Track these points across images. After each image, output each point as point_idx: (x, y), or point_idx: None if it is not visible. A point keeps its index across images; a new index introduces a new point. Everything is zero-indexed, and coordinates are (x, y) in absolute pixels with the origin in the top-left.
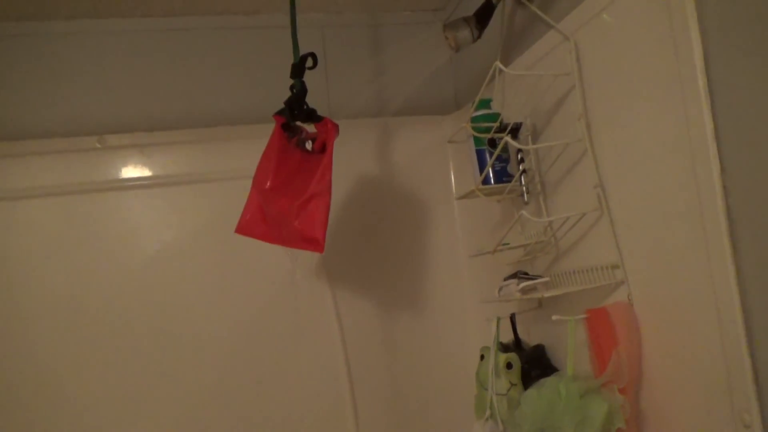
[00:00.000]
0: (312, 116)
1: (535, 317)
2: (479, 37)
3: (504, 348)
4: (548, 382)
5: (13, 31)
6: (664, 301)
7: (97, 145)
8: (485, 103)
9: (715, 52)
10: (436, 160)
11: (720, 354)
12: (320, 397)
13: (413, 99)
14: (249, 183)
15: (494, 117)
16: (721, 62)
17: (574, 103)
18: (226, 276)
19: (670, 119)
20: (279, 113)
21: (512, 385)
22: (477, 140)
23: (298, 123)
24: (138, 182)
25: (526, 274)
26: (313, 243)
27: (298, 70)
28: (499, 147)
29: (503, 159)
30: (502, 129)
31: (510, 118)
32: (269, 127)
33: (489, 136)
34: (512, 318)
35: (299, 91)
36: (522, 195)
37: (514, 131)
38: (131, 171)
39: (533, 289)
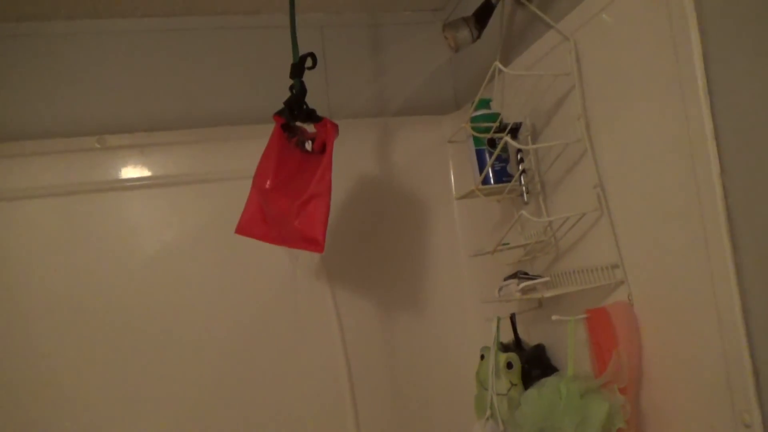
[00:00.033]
0: (312, 116)
1: (535, 317)
2: (479, 37)
3: (504, 348)
4: (549, 382)
5: (13, 31)
6: (664, 301)
7: (97, 145)
8: (485, 103)
9: (714, 52)
10: (436, 160)
11: (720, 354)
12: (320, 397)
13: (413, 99)
14: (249, 183)
15: (494, 117)
16: (721, 62)
17: (573, 103)
18: (226, 276)
19: (670, 119)
20: (279, 113)
21: (512, 385)
22: (477, 140)
23: (298, 123)
24: (138, 182)
25: (526, 274)
26: (313, 243)
27: (297, 70)
28: (499, 147)
29: (503, 159)
30: (501, 129)
31: (510, 118)
32: (269, 128)
33: (489, 136)
34: (512, 318)
35: (299, 92)
36: (522, 195)
37: (514, 131)
38: (131, 171)
39: (533, 289)
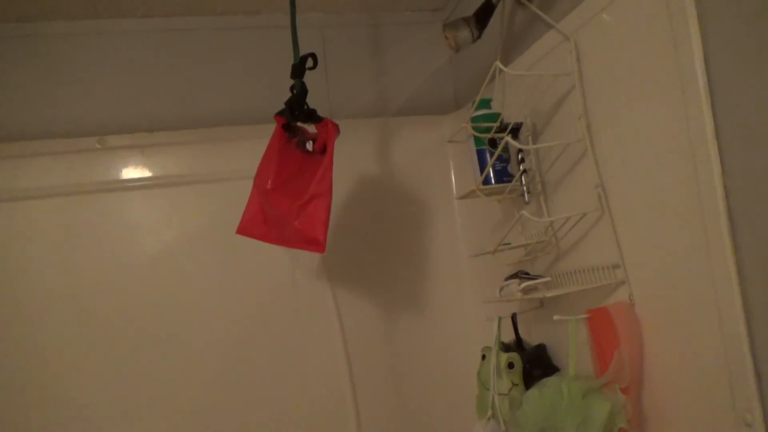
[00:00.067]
0: (312, 116)
1: (537, 317)
2: (479, 37)
3: (505, 348)
4: (550, 381)
5: (14, 31)
6: (665, 301)
7: (98, 145)
8: (485, 103)
9: (715, 51)
10: (437, 160)
11: (721, 353)
12: (321, 397)
13: (413, 99)
14: (250, 183)
15: (494, 117)
16: (721, 62)
17: (574, 103)
18: (227, 276)
19: (671, 119)
20: (279, 114)
21: (514, 384)
22: (477, 140)
23: (299, 123)
24: (138, 183)
25: (527, 273)
26: (314, 243)
27: (298, 70)
28: (500, 147)
29: (504, 159)
30: (502, 129)
31: (510, 117)
32: (270, 128)
33: (489, 136)
34: (513, 318)
35: (299, 92)
36: (522, 195)
37: (515, 131)
38: (132, 172)
39: (534, 289)
